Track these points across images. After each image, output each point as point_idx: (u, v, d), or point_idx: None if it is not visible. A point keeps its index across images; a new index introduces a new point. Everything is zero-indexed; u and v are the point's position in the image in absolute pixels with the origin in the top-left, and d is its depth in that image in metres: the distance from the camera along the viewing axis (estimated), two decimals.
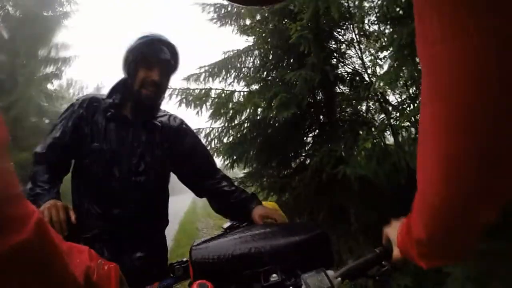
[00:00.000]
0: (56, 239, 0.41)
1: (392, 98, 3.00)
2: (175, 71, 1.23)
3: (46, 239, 0.38)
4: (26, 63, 8.04)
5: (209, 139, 3.63)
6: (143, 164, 1.15)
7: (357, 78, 3.17)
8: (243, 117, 3.46)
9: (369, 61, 3.09)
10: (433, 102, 0.33)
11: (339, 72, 3.20)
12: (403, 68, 2.21)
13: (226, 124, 3.58)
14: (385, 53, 2.74)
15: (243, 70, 3.63)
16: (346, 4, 2.85)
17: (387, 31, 2.74)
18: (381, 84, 2.51)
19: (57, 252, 0.40)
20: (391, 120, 2.72)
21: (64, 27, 8.94)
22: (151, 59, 1.12)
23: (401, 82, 2.50)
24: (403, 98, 2.82)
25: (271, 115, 3.05)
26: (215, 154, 3.49)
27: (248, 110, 3.24)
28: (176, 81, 3.38)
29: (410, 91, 2.71)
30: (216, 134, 3.65)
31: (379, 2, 2.56)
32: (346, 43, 3.27)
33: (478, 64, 0.28)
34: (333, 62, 3.17)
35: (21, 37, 7.96)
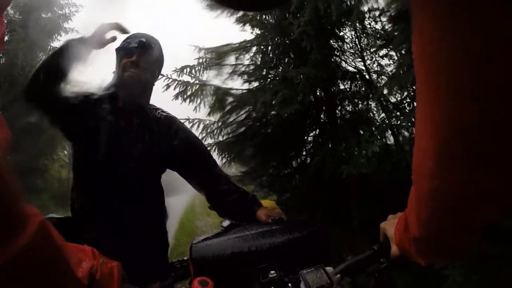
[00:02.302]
0: (59, 240, 0.41)
1: (392, 97, 3.01)
2: (157, 59, 1.28)
3: (49, 241, 0.38)
4: (25, 63, 8.03)
5: (208, 131, 3.62)
6: (136, 149, 1.18)
7: (358, 76, 3.17)
8: (243, 115, 3.46)
9: (370, 59, 3.09)
10: (428, 101, 0.33)
11: (340, 70, 3.20)
12: (405, 69, 2.21)
13: (223, 120, 3.58)
14: (385, 51, 2.74)
15: (240, 67, 3.61)
16: (347, 2, 2.85)
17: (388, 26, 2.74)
18: (385, 91, 2.51)
19: (60, 253, 0.40)
20: (392, 120, 2.73)
21: (64, 29, 8.95)
22: (129, 46, 1.20)
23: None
24: (403, 97, 2.82)
25: (272, 113, 3.04)
26: (212, 149, 3.50)
27: (247, 108, 3.23)
28: (171, 72, 3.44)
29: (410, 90, 2.71)
30: (214, 128, 3.64)
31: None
32: (347, 40, 3.26)
33: (474, 63, 0.28)
34: (334, 60, 3.17)
35: (20, 37, 7.96)
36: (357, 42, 3.19)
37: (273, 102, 2.85)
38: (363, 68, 3.16)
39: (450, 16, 0.28)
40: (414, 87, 2.59)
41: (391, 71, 2.54)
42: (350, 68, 3.23)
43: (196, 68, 3.62)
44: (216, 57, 3.59)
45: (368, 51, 3.20)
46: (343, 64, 3.25)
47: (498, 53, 0.27)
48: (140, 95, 1.25)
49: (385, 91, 2.58)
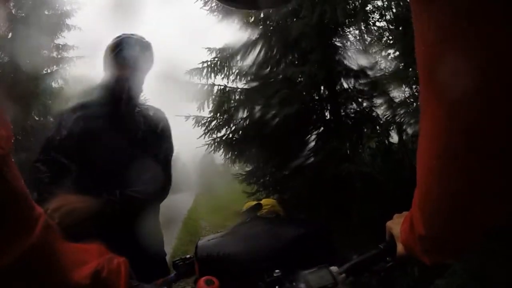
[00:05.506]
0: (62, 241, 0.41)
1: (396, 95, 3.00)
2: (147, 64, 1.31)
3: (53, 243, 0.38)
4: (28, 62, 8.06)
5: (209, 128, 3.67)
6: (126, 145, 1.22)
7: (361, 75, 3.15)
8: (245, 114, 3.47)
9: (374, 57, 3.08)
10: (431, 102, 0.33)
11: (344, 68, 3.19)
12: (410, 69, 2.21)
13: (226, 118, 3.61)
14: (390, 50, 2.73)
15: (243, 67, 3.62)
16: (352, 3, 2.84)
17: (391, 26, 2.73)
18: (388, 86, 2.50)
19: (63, 254, 0.40)
20: (396, 117, 2.72)
21: (67, 26, 8.97)
22: (120, 58, 1.22)
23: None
24: (407, 95, 2.81)
25: (274, 112, 3.04)
26: (214, 147, 3.52)
27: (249, 107, 3.24)
28: (179, 75, 3.62)
29: (414, 88, 2.70)
30: (215, 124, 3.68)
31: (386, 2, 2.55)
32: (350, 40, 3.25)
33: (477, 66, 0.28)
34: (337, 59, 3.16)
35: (23, 35, 7.98)
36: (361, 40, 3.17)
37: (273, 102, 2.86)
38: (367, 66, 3.14)
39: (454, 20, 0.28)
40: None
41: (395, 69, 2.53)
42: (354, 66, 3.22)
43: (204, 71, 3.68)
44: (222, 60, 3.63)
45: (372, 49, 3.18)
46: (347, 62, 3.23)
47: (502, 56, 0.27)
48: (128, 102, 1.28)
49: (389, 89, 2.58)
